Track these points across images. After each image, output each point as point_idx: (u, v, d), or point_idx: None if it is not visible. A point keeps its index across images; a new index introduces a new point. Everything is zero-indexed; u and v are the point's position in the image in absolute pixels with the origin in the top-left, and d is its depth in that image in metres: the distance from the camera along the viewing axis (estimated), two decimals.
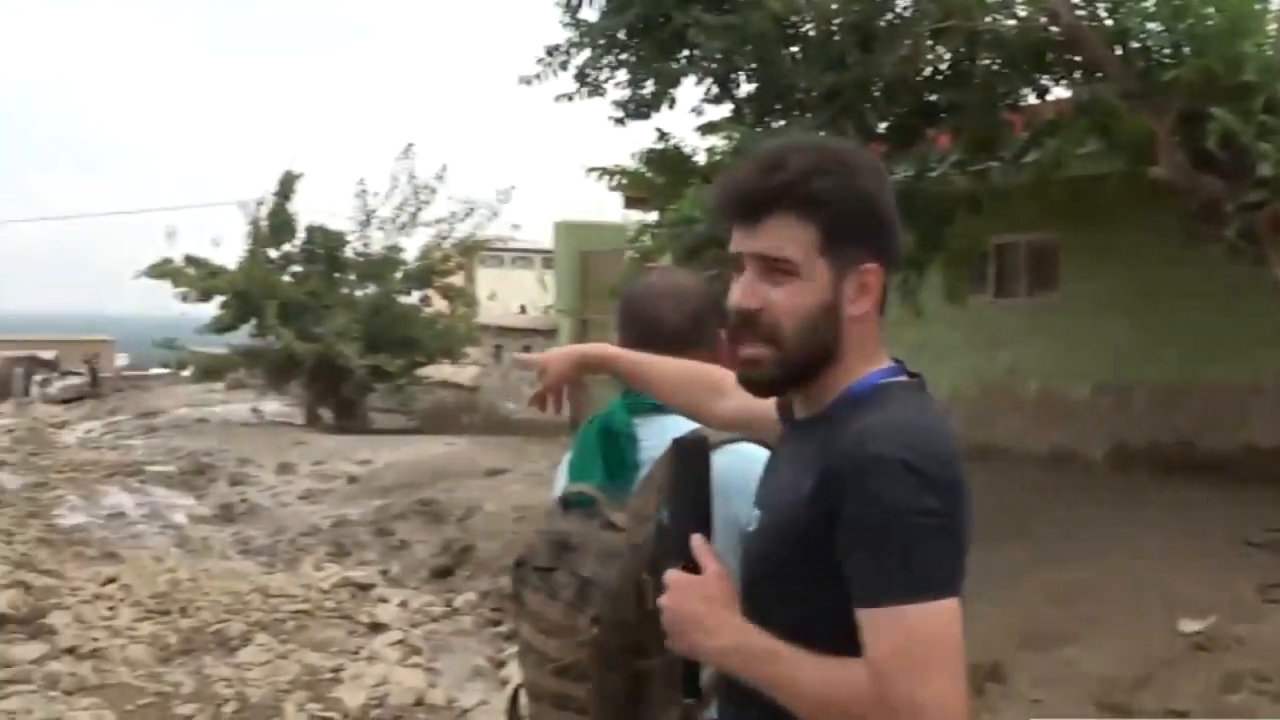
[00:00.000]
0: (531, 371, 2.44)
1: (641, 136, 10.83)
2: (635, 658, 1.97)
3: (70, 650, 8.31)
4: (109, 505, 16.24)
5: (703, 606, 1.63)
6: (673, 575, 1.68)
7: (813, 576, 1.57)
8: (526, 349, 20.46)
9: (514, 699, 2.18)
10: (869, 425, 1.55)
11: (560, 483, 2.32)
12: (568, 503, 2.18)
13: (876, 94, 9.61)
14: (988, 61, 9.57)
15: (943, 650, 1.46)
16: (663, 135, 10.60)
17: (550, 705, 2.05)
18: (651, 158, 10.62)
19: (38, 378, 45.07)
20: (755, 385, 1.70)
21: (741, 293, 1.64)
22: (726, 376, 2.07)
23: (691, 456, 1.72)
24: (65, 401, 41.24)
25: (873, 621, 1.47)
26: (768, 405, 1.93)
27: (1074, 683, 6.13)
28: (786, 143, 1.68)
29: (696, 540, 1.68)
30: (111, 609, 9.45)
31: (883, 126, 9.89)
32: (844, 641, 1.51)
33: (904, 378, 1.68)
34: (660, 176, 10.75)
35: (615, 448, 2.21)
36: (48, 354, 51.53)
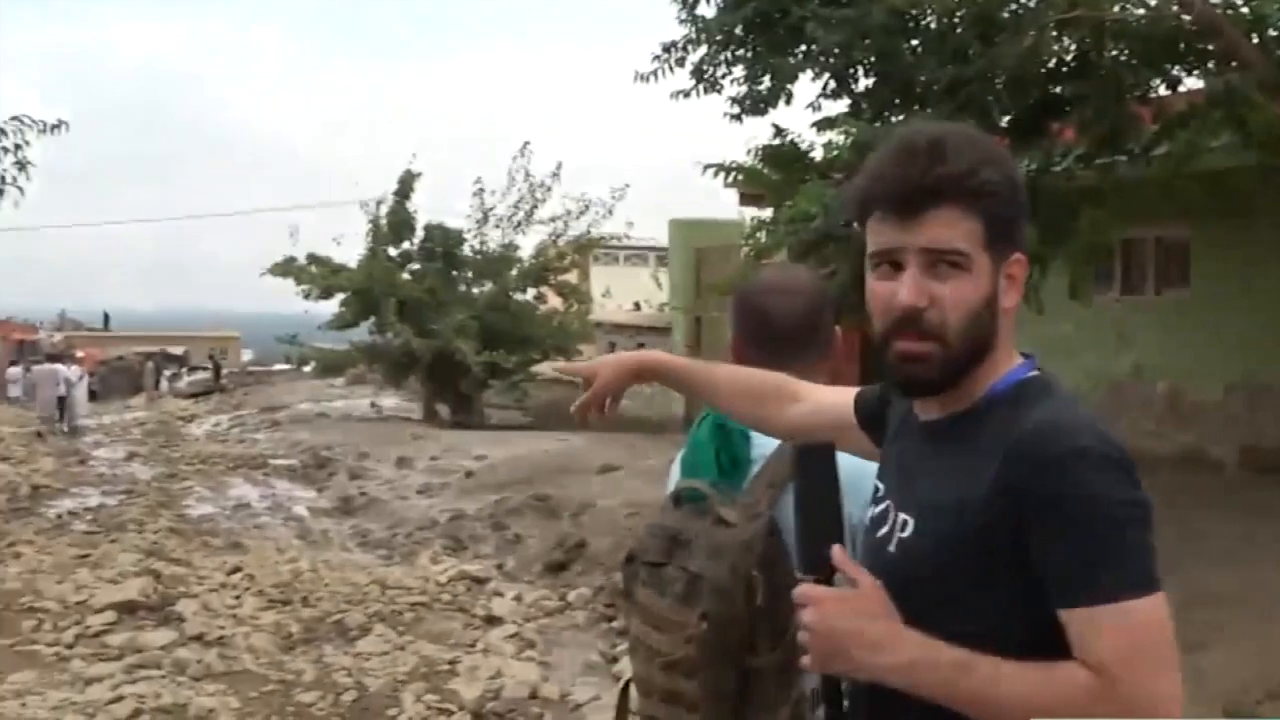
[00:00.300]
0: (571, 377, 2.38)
1: (758, 132, 10.79)
2: (745, 655, 1.95)
3: (197, 637, 8.56)
4: (234, 497, 16.73)
5: (863, 622, 1.52)
6: (816, 591, 1.56)
7: (987, 579, 1.51)
8: (640, 346, 20.53)
9: (624, 693, 2.18)
10: (1049, 419, 1.50)
11: (673, 479, 2.32)
12: (679, 498, 2.17)
13: (999, 86, 9.42)
14: (1115, 52, 9.33)
15: (1169, 644, 1.45)
16: (779, 131, 10.53)
17: (659, 700, 2.05)
18: (768, 154, 10.55)
19: (168, 372, 46.60)
20: (918, 384, 1.62)
21: (912, 289, 1.55)
22: (792, 383, 2.02)
23: (819, 461, 1.63)
24: (193, 396, 42.59)
25: (1093, 619, 1.42)
26: (842, 410, 1.90)
27: (1203, 691, 5.95)
28: (929, 131, 1.61)
29: (838, 552, 1.57)
30: (237, 598, 9.72)
31: (1005, 120, 9.71)
32: (1022, 643, 1.46)
33: (1040, 372, 1.63)
34: (776, 173, 10.69)
35: (728, 444, 2.19)
36: (177, 349, 53.29)
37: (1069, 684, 1.42)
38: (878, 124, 9.58)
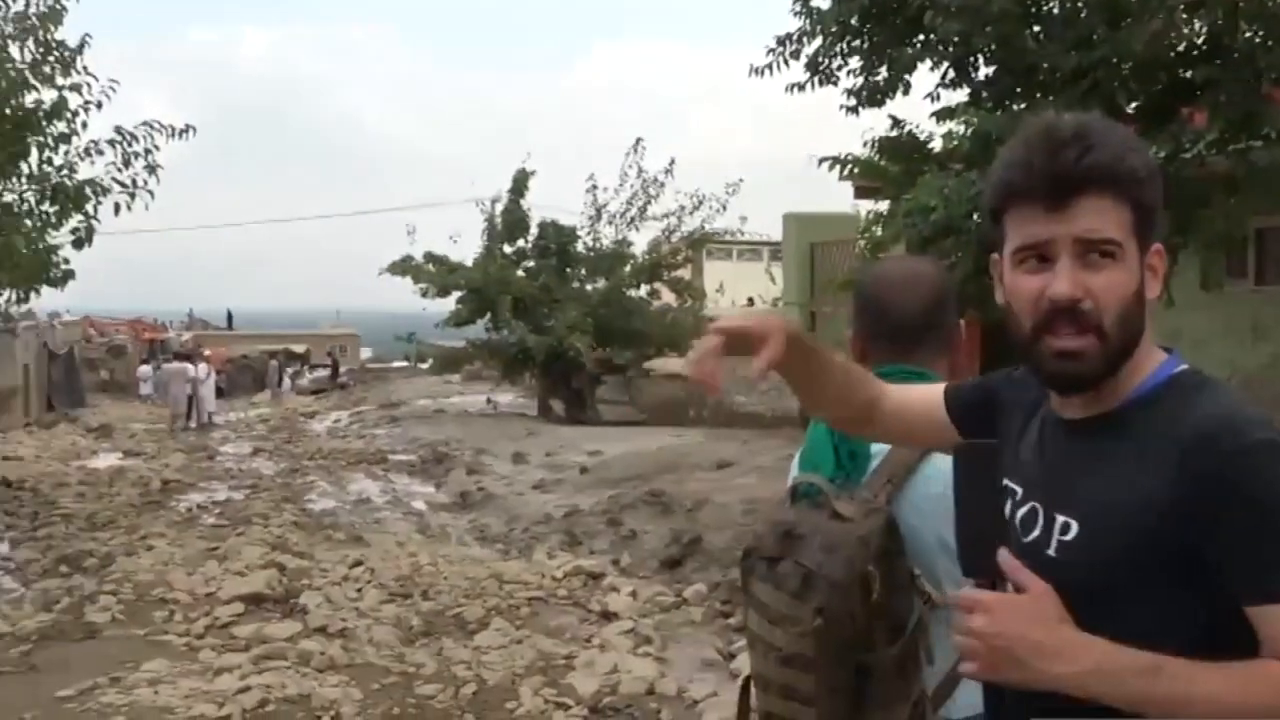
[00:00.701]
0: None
1: (875, 124, 10.66)
2: (861, 651, 1.93)
3: (321, 629, 8.76)
4: (355, 492, 17.07)
5: (1040, 629, 1.46)
6: (986, 596, 1.50)
7: (1161, 578, 1.47)
8: None
9: (745, 690, 2.17)
10: (1224, 413, 1.46)
11: (793, 474, 2.30)
12: (795, 493, 2.15)
13: (1126, 72, 9.17)
14: (1250, 34, 9.02)
15: None
16: (897, 122, 10.40)
17: (777, 695, 2.03)
18: (885, 145, 10.42)
19: (290, 370, 47.69)
20: (1074, 380, 1.56)
21: (1070, 281, 1.50)
22: (877, 382, 1.93)
23: (979, 461, 1.57)
24: (315, 392, 43.57)
25: None
26: (929, 408, 1.85)
27: None
28: (1069, 118, 1.56)
29: (1005, 556, 1.51)
30: (358, 591, 9.92)
31: (1133, 106, 9.45)
32: (1193, 642, 1.42)
33: (1188, 366, 1.58)
34: (894, 164, 10.55)
35: (846, 439, 2.17)
36: (299, 348, 54.52)
37: (1266, 681, 1.38)
38: (1000, 113, 9.40)
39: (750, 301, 28.61)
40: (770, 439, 16.37)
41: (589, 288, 28.16)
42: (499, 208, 28.28)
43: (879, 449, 2.13)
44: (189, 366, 30.03)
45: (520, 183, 28.03)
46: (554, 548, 11.66)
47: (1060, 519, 1.57)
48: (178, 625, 9.01)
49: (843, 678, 1.95)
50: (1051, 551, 1.57)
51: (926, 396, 1.89)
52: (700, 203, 27.27)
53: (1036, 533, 1.60)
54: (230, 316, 69.42)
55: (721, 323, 1.70)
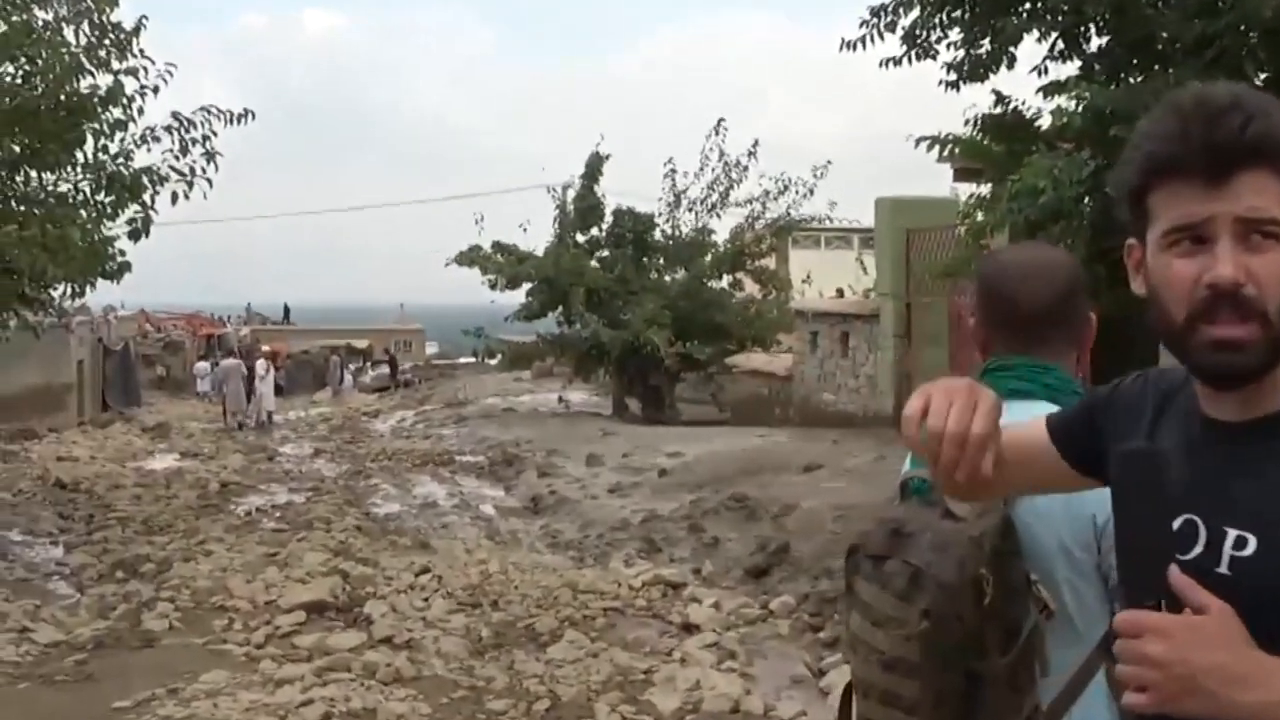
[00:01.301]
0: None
1: (977, 100, 10.47)
2: (970, 658, 1.91)
3: (386, 640, 8.87)
4: (421, 495, 17.27)
5: (1226, 654, 1.38)
6: (1161, 620, 1.40)
7: None
8: (845, 335, 20.31)
9: (846, 696, 2.17)
10: None
11: (905, 469, 2.31)
12: (906, 489, 2.15)
13: (1254, 40, 8.95)
14: None
15: None
16: (1001, 98, 10.25)
17: (878, 702, 2.02)
18: (988, 123, 10.27)
19: (352, 367, 48.31)
20: (1235, 373, 1.49)
21: (1231, 264, 1.44)
22: None
23: (1144, 469, 1.47)
24: (377, 390, 44.08)
25: None
26: (1030, 445, 1.77)
27: None
28: (1220, 88, 1.50)
29: (1177, 574, 1.42)
30: (425, 599, 10.03)
31: (1262, 78, 9.22)
32: None
33: None
34: (998, 144, 10.41)
35: None
36: (361, 343, 55.21)
37: None
38: (1115, 87, 9.22)
39: (839, 293, 28.37)
40: (862, 439, 16.25)
41: (667, 279, 28.14)
42: (571, 194, 28.36)
43: None
44: (234, 360, 30.57)
45: (594, 167, 28.08)
46: (631, 555, 11.69)
47: (1231, 533, 1.50)
48: (237, 634, 9.19)
49: (949, 685, 1.93)
50: (1224, 569, 1.50)
51: (1035, 438, 1.80)
52: (786, 187, 27.13)
53: (1199, 548, 1.53)
54: (287, 310, 70.39)
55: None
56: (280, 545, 12.32)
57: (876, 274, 20.76)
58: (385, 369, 47.98)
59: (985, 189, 11.72)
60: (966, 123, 10.35)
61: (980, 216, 10.90)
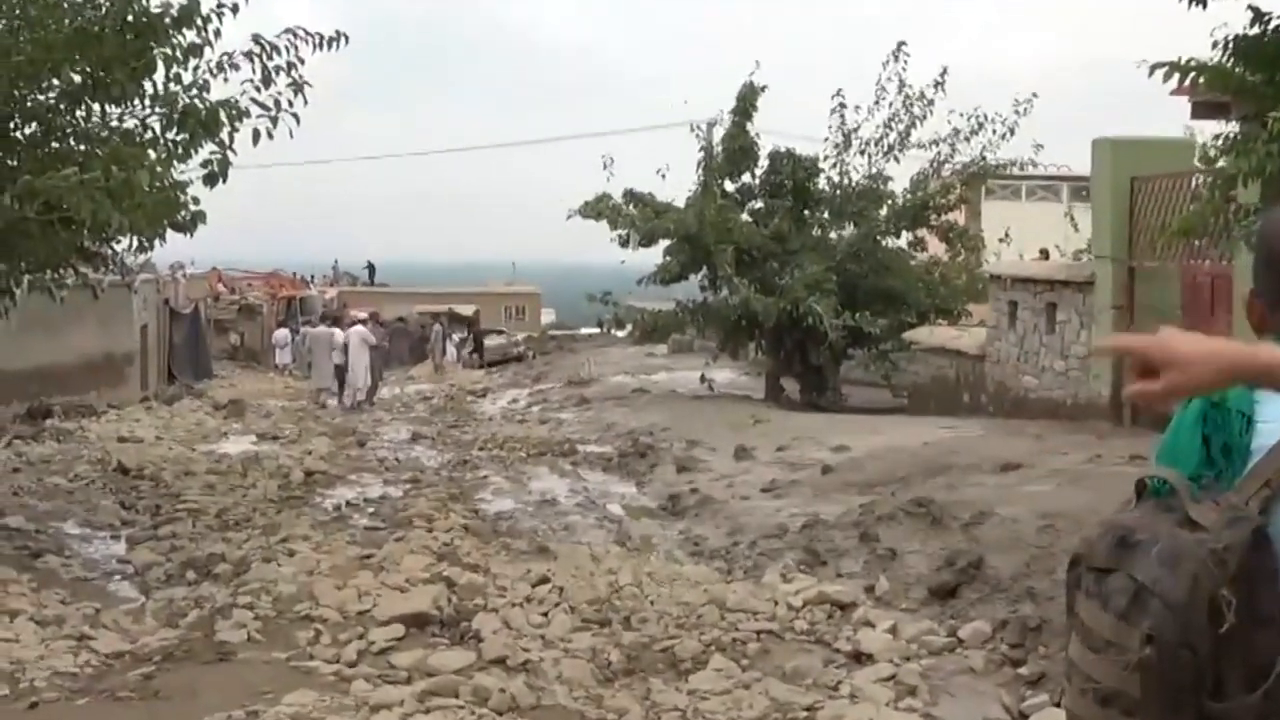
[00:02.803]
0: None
1: (1228, 18, 10.17)
2: (1203, 695, 1.89)
3: (499, 661, 8.97)
4: (538, 490, 17.43)
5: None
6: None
7: None
8: (1051, 307, 19.95)
9: None
10: None
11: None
12: (1143, 490, 2.13)
13: None
14: None
15: None
16: (1259, 15, 9.94)
17: None
18: (1242, 47, 9.98)
19: (456, 337, 48.98)
20: None
21: None
22: None
23: None
24: (487, 365, 44.65)
25: None
26: None
27: None
28: None
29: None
30: (544, 615, 10.12)
31: None
32: None
33: None
34: (1255, 72, 10.10)
35: (1222, 427, 2.13)
36: (466, 309, 55.94)
37: None
38: None
39: (1044, 254, 27.91)
40: (1071, 434, 16.00)
41: (833, 236, 28.03)
42: (719, 134, 28.32)
43: (1262, 444, 2.08)
44: (337, 332, 31.07)
45: (747, 100, 27.96)
46: (790, 568, 11.64)
47: None
48: (325, 649, 9.36)
49: None
50: None
51: None
52: (980, 125, 26.80)
53: None
54: (372, 269, 71.28)
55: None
56: (375, 546, 12.55)
57: (1092, 232, 20.39)
58: (497, 339, 48.52)
59: (1234, 127, 11.39)
60: (1214, 45, 10.07)
61: (1228, 161, 10.59)
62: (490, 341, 49.08)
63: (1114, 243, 18.54)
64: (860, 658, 9.16)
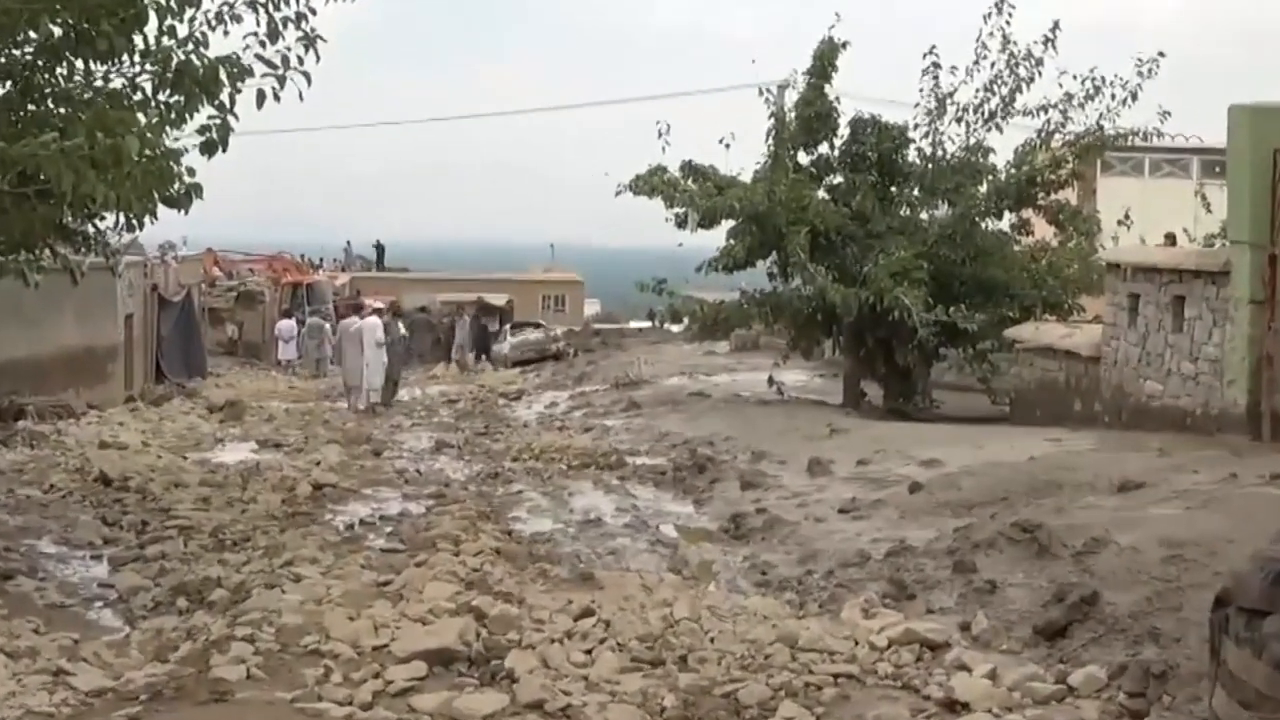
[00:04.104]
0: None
1: None
2: None
3: (536, 705, 9.00)
4: (580, 509, 17.47)
5: None
6: None
7: None
8: (1178, 300, 19.83)
9: None
10: None
11: None
12: None
13: None
14: None
15: None
16: None
17: None
18: None
19: (488, 329, 49.05)
20: None
21: None
22: None
23: None
24: (521, 364, 44.67)
25: None
26: None
27: None
28: None
29: None
30: (588, 652, 10.14)
31: None
32: None
33: None
34: None
35: None
36: (498, 299, 56.08)
37: None
38: None
39: (1170, 239, 27.72)
40: (1203, 448, 15.87)
41: (924, 216, 27.95)
42: (791, 98, 28.29)
43: None
44: (371, 322, 31.08)
45: (825, 59, 27.93)
46: (872, 602, 11.62)
47: None
48: (336, 689, 9.41)
49: None
50: None
51: None
52: (1097, 89, 26.59)
53: None
54: (381, 251, 71.22)
55: None
56: (393, 571, 12.61)
57: (1228, 213, 20.22)
58: (533, 334, 48.46)
59: None
60: None
61: None
62: (526, 336, 48.88)
63: (1253, 226, 18.35)
64: (954, 707, 9.13)
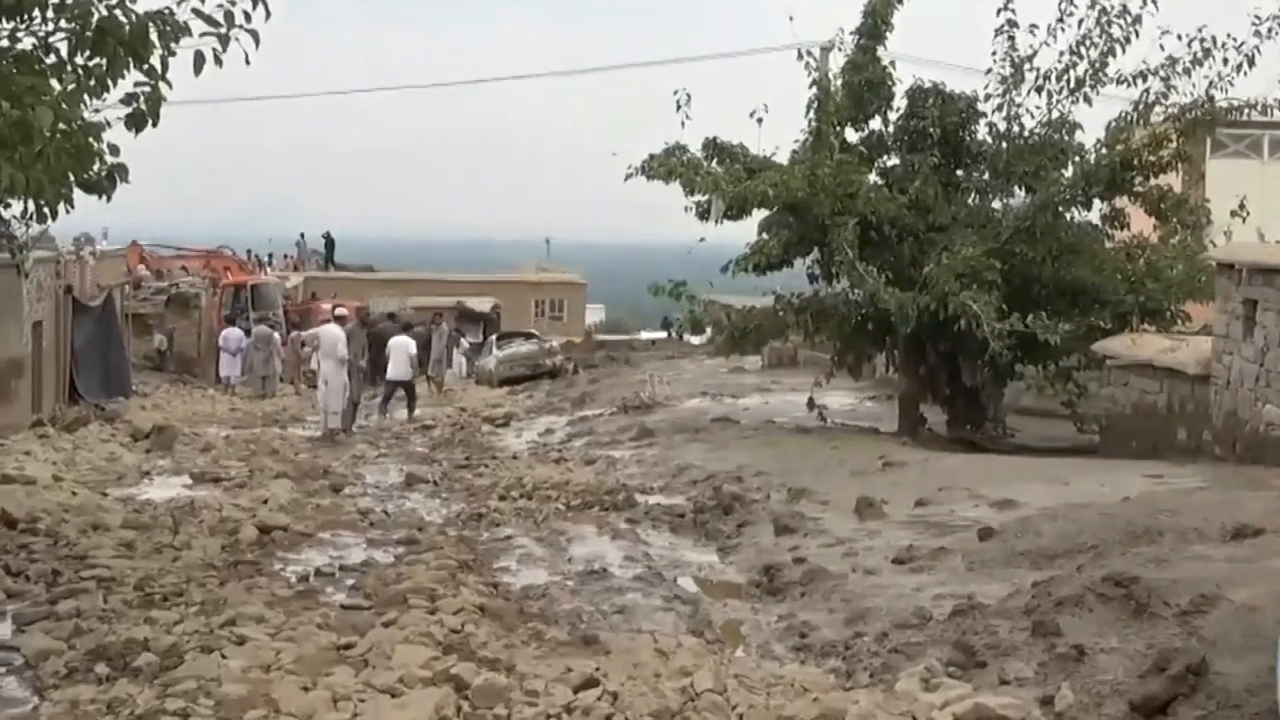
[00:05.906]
0: None
1: None
2: None
3: None
4: (581, 558, 17.46)
5: None
6: None
7: None
8: None
9: None
10: None
11: None
12: None
13: None
14: None
15: None
16: None
17: None
18: None
19: (467, 340, 49.03)
20: None
21: None
22: None
23: None
24: (510, 381, 44.65)
25: None
26: None
27: None
28: None
29: None
30: None
31: None
32: None
33: None
34: None
35: None
36: (482, 304, 56.10)
37: None
38: None
39: None
40: None
41: (997, 205, 27.94)
42: (838, 63, 28.30)
43: None
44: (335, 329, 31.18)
45: (878, 16, 27.97)
46: (934, 671, 11.63)
47: None
48: None
49: None
50: None
51: None
52: (1206, 52, 26.57)
53: None
54: (330, 244, 71.11)
55: None
56: (356, 633, 12.59)
57: None
58: (525, 346, 48.40)
59: None
60: None
61: None
62: (514, 349, 48.53)
63: None
64: None
